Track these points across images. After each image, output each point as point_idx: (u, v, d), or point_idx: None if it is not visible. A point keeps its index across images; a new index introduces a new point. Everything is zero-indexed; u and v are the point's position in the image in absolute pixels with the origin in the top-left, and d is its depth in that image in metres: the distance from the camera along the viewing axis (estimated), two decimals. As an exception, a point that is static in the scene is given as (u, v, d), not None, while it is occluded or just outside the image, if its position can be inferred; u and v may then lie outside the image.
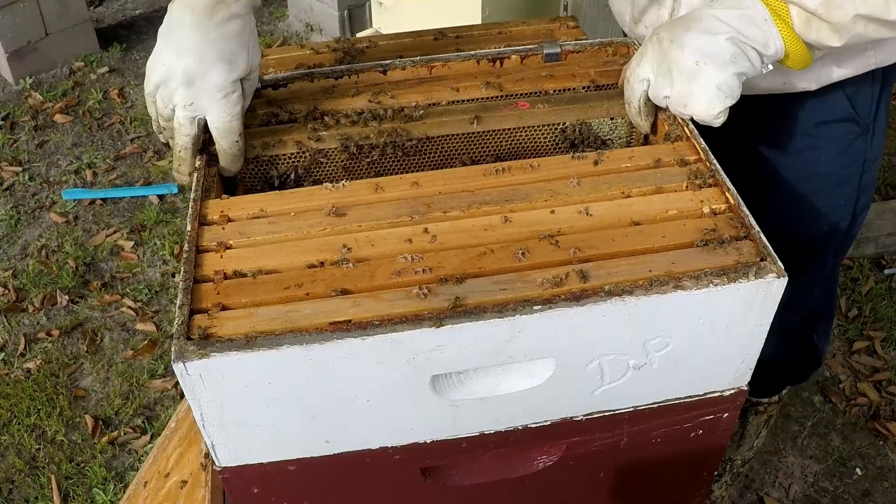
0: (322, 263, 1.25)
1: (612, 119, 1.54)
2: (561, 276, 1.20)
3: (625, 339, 1.25)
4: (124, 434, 2.94)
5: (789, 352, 2.02)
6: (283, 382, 1.20)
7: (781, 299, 1.84)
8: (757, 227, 1.27)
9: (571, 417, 1.36)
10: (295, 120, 1.53)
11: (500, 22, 1.74)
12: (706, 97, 1.38)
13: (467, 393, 1.29)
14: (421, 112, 1.52)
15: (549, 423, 1.36)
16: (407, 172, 1.46)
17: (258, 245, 1.30)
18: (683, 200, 1.32)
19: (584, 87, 1.57)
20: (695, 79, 1.38)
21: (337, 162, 1.51)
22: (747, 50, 1.37)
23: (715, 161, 1.37)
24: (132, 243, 3.65)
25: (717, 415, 1.42)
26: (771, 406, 2.26)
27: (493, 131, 1.51)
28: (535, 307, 1.18)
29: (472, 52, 1.63)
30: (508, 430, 1.36)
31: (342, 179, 1.40)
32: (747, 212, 1.29)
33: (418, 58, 1.63)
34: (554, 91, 1.56)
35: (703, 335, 1.26)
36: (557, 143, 1.55)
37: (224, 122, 1.43)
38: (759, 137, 1.72)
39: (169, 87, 1.40)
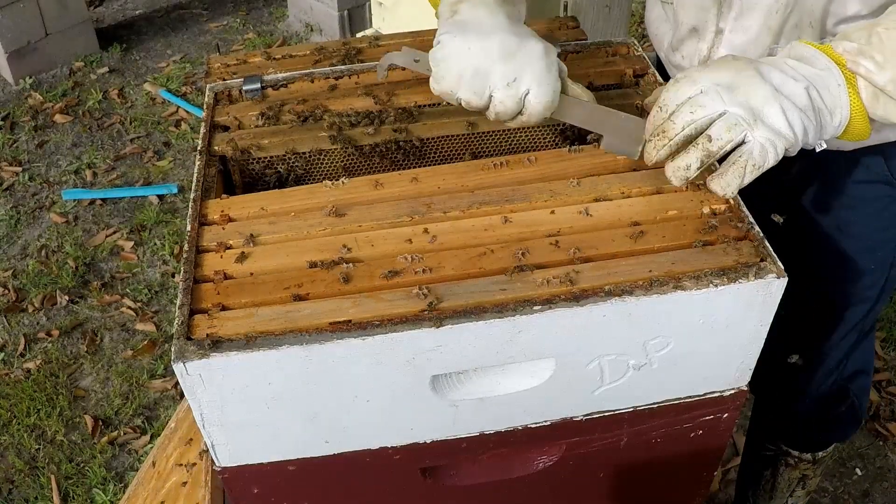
0: (322, 263, 1.26)
1: None
2: (561, 276, 1.20)
3: (625, 339, 1.25)
4: (124, 434, 2.94)
5: (827, 410, 1.97)
6: (283, 382, 1.20)
7: (816, 361, 1.86)
8: (757, 228, 1.27)
9: (571, 417, 1.36)
10: (295, 120, 1.53)
11: None
12: (770, 132, 1.23)
13: (467, 393, 1.29)
14: (421, 112, 1.52)
15: (548, 423, 1.36)
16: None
17: (259, 245, 1.31)
18: (683, 200, 1.32)
19: None
20: (767, 106, 1.23)
21: (337, 162, 1.51)
22: (816, 109, 1.25)
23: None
24: (132, 243, 3.66)
25: (717, 415, 1.42)
26: (803, 463, 2.16)
27: (493, 132, 1.52)
28: (535, 307, 1.18)
29: None
30: (508, 430, 1.36)
31: (341, 178, 1.40)
32: (747, 212, 1.29)
33: None
34: None
35: (703, 335, 1.27)
36: (557, 144, 1.55)
37: (548, 96, 1.35)
38: (792, 189, 1.65)
39: (481, 72, 1.33)
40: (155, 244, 3.65)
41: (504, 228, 1.29)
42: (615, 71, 1.58)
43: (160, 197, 3.87)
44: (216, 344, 1.16)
